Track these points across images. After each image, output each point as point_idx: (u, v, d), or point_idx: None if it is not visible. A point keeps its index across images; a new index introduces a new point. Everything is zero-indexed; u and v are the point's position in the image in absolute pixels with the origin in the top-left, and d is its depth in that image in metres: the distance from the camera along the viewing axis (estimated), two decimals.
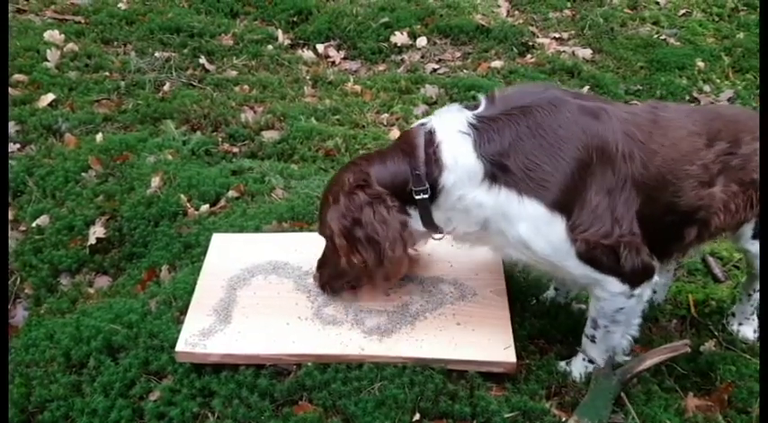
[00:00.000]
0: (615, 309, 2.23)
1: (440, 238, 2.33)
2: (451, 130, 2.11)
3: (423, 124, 2.21)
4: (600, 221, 2.07)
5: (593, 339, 2.34)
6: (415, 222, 2.22)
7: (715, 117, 2.34)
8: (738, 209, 2.29)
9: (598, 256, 2.10)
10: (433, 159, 2.11)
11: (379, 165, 2.20)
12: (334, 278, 2.46)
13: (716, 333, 2.74)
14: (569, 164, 2.04)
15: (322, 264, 2.50)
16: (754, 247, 2.47)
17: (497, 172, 2.06)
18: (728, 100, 4.89)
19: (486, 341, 2.35)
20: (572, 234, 2.07)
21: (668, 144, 2.18)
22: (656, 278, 2.23)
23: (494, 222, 2.13)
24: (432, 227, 2.24)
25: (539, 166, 2.04)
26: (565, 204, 2.05)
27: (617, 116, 2.14)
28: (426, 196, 2.14)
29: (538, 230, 2.08)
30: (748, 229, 2.43)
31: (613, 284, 2.16)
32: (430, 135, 2.15)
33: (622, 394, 2.27)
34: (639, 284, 2.18)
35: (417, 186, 2.13)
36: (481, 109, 2.15)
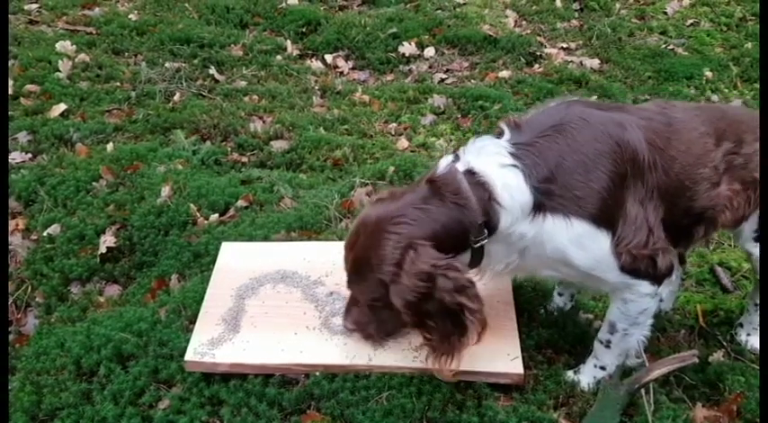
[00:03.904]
0: (640, 310, 2.24)
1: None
2: (496, 166, 2.02)
3: (453, 163, 2.07)
4: (640, 232, 2.09)
5: (608, 344, 2.34)
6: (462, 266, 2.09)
7: (720, 116, 2.36)
8: (739, 206, 2.32)
9: (639, 265, 2.12)
10: (489, 204, 2.01)
11: (428, 226, 2.01)
12: (391, 330, 2.35)
13: (724, 343, 2.73)
14: (610, 177, 2.04)
15: (363, 322, 2.32)
16: (757, 250, 2.48)
17: (543, 199, 2.01)
18: None
19: (493, 352, 2.35)
20: (616, 248, 2.08)
21: (684, 149, 2.20)
22: (674, 275, 2.26)
23: (533, 247, 2.09)
24: (477, 265, 2.15)
25: (583, 184, 2.01)
26: (609, 219, 2.05)
27: (638, 124, 2.14)
28: (486, 241, 2.05)
29: (583, 247, 2.06)
30: (747, 228, 2.44)
31: (645, 287, 2.18)
32: (472, 177, 2.02)
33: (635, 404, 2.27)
34: (663, 282, 2.21)
35: (479, 236, 2.03)
36: (509, 136, 2.08)
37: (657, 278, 2.18)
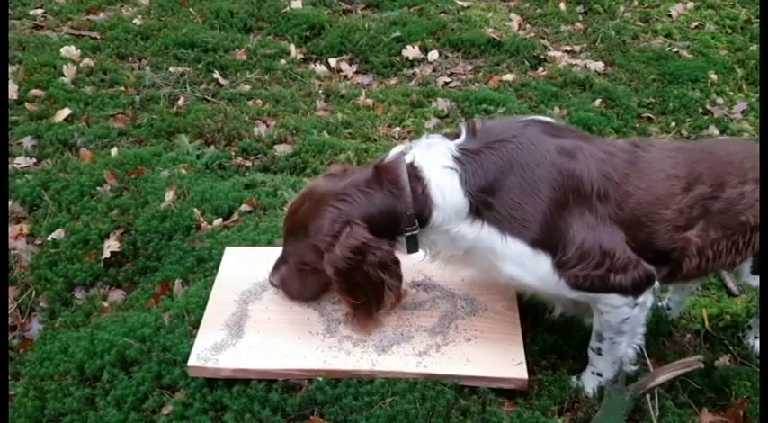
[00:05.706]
0: (620, 320, 2.24)
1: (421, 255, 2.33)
2: (437, 166, 2.11)
3: (402, 154, 2.20)
4: (588, 256, 2.10)
5: (599, 352, 2.35)
6: (400, 248, 2.25)
7: (701, 158, 2.30)
8: (718, 255, 2.27)
9: (589, 284, 2.14)
10: (422, 198, 2.12)
11: (366, 208, 2.15)
12: (311, 294, 2.51)
13: (731, 348, 2.72)
14: (548, 204, 2.07)
15: (288, 280, 2.48)
16: (755, 281, 2.44)
17: (482, 208, 2.09)
18: (742, 112, 4.87)
19: (497, 357, 2.35)
20: (559, 270, 2.11)
21: (644, 187, 2.18)
22: (656, 284, 2.24)
23: (478, 250, 2.17)
24: (415, 251, 2.26)
25: (520, 206, 2.07)
26: (548, 243, 2.09)
27: (594, 156, 2.16)
28: (416, 232, 2.17)
29: (524, 266, 2.12)
30: (746, 266, 2.40)
31: (614, 299, 2.18)
32: (414, 170, 2.14)
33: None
34: (641, 293, 2.20)
35: (408, 226, 2.16)
36: (462, 140, 2.16)
37: (626, 290, 2.16)
